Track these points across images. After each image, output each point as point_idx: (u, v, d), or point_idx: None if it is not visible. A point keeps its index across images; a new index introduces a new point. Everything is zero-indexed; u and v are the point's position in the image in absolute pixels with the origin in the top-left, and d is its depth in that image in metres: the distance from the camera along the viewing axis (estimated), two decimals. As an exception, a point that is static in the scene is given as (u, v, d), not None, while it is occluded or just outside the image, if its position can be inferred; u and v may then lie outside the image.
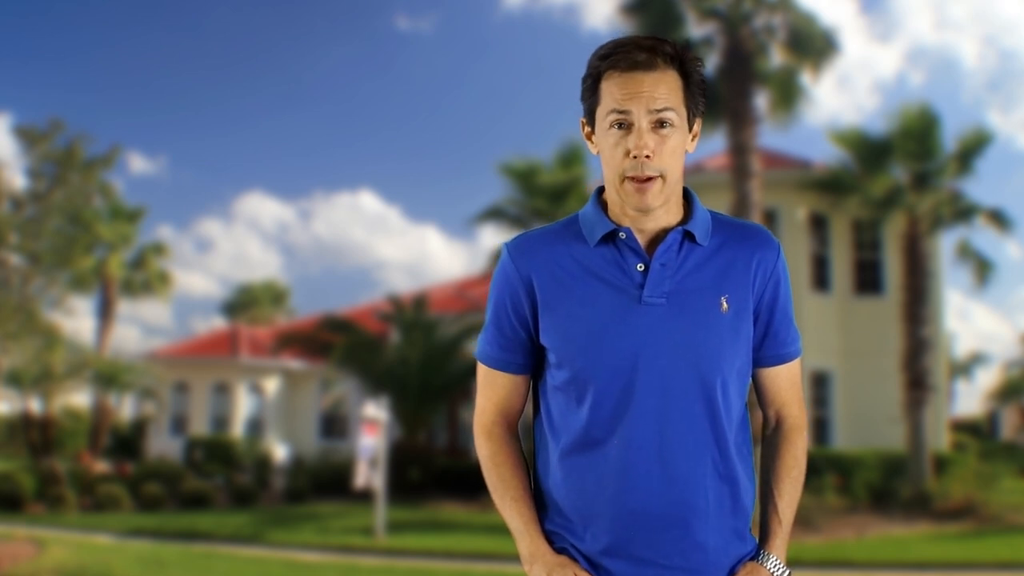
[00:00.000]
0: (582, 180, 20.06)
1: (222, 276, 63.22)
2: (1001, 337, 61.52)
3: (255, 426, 27.66)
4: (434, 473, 20.48)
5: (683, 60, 1.94)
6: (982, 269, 19.46)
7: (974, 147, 18.95)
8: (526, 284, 2.00)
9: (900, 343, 18.57)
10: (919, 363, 18.22)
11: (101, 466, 23.25)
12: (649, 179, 1.91)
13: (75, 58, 46.46)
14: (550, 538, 2.01)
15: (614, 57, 1.92)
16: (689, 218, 2.01)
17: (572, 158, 20.56)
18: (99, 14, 45.27)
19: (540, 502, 2.05)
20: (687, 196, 2.05)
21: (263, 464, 22.84)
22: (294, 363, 27.68)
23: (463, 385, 21.78)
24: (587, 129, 2.01)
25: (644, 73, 1.90)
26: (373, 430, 14.71)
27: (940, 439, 19.71)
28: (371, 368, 21.59)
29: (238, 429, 27.15)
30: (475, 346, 2.14)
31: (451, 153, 59.19)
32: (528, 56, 59.19)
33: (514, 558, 2.07)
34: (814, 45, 17.46)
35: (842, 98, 45.60)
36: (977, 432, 34.77)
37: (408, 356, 21.31)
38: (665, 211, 1.98)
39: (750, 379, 2.07)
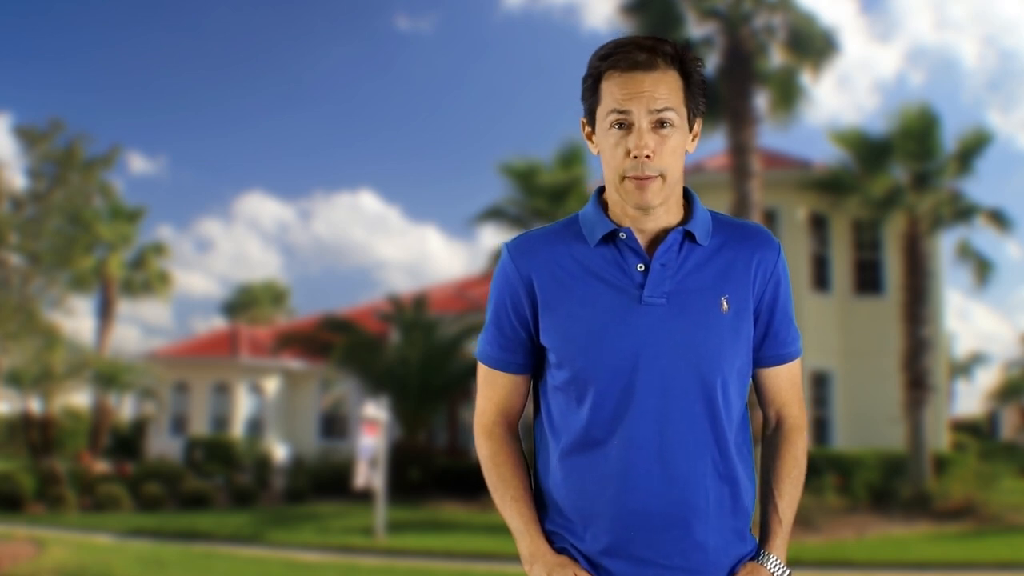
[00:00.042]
0: (582, 180, 20.06)
1: (222, 276, 63.29)
2: (1001, 337, 61.58)
3: (255, 426, 27.66)
4: (434, 473, 20.48)
5: (683, 60, 1.94)
6: (982, 269, 19.46)
7: (974, 147, 18.95)
8: (526, 284, 2.01)
9: (900, 343, 18.57)
10: (919, 363, 18.23)
11: (101, 466, 23.25)
12: (649, 178, 1.91)
13: (75, 58, 46.51)
14: (550, 538, 2.01)
15: (614, 57, 1.92)
16: (689, 218, 2.01)
17: (572, 158, 20.56)
18: (99, 14, 45.31)
19: (540, 502, 2.05)
20: (687, 196, 2.05)
21: (263, 464, 22.84)
22: (294, 363, 27.68)
23: (463, 385, 21.78)
24: (587, 129, 2.01)
25: (644, 73, 1.90)
26: (373, 430, 14.71)
27: (940, 439, 19.71)
28: (371, 368, 21.59)
29: (238, 429, 27.15)
30: (475, 346, 2.14)
31: (451, 153, 59.25)
32: (528, 56, 59.24)
33: (514, 558, 2.07)
34: (814, 45, 17.47)
35: (842, 98, 45.64)
36: (977, 432, 34.77)
37: (408, 356, 21.31)
38: (665, 211, 1.98)
39: (750, 379, 2.07)
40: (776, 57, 17.72)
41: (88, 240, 23.31)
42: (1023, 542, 13.78)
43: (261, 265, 62.27)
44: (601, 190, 2.05)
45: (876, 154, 18.99)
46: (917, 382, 18.17)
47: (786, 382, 2.09)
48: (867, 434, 19.26)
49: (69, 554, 12.23)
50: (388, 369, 21.35)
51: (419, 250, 65.49)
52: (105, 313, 26.26)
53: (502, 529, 2.22)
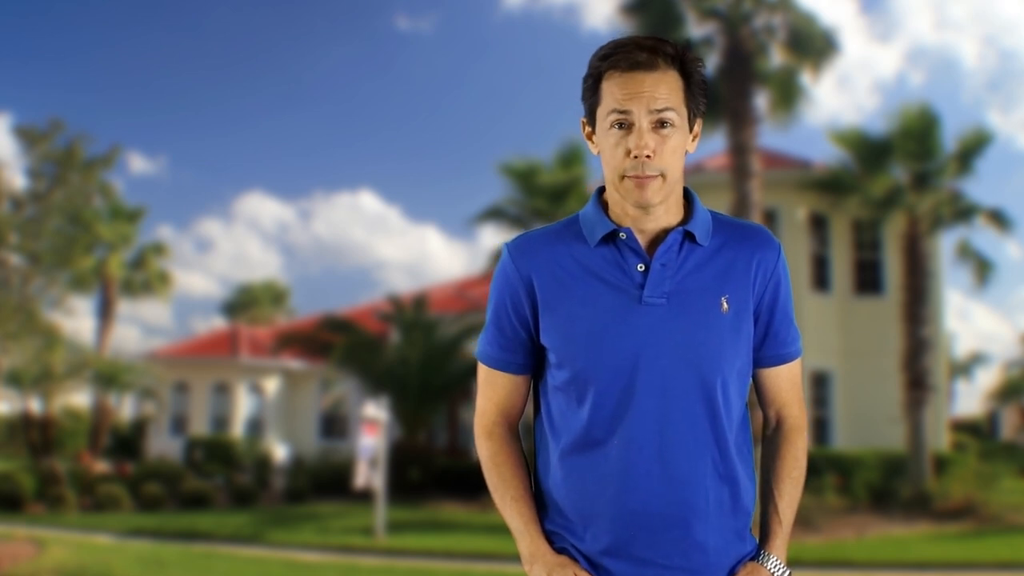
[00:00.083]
0: (582, 180, 20.06)
1: (222, 276, 63.29)
2: (1001, 337, 61.57)
3: (255, 426, 27.66)
4: (434, 473, 20.48)
5: (684, 60, 1.94)
6: (982, 269, 19.46)
7: (974, 147, 18.95)
8: (526, 284, 2.01)
9: (900, 343, 18.57)
10: (919, 363, 18.23)
11: (101, 466, 23.25)
12: (649, 177, 1.91)
13: (75, 58, 46.51)
14: (550, 538, 2.01)
15: (615, 57, 1.92)
16: (690, 218, 2.01)
17: (572, 158, 20.55)
18: (99, 14, 45.31)
19: (540, 502, 2.05)
20: (688, 196, 2.05)
21: (263, 464, 22.84)
22: (294, 363, 27.68)
23: (463, 385, 21.79)
24: (588, 129, 2.01)
25: (645, 73, 1.90)
26: (373, 430, 14.71)
27: (940, 439, 19.71)
28: (371, 368, 21.59)
29: (238, 429, 27.15)
30: (475, 346, 2.14)
31: (451, 153, 59.25)
32: (528, 56, 59.24)
33: (514, 558, 2.07)
34: (814, 45, 17.47)
35: (842, 98, 45.64)
36: (977, 432, 34.77)
37: (408, 356, 21.31)
38: (665, 211, 1.98)
39: (750, 379, 2.07)
40: (776, 57, 17.72)
41: (88, 240, 23.31)
42: (1023, 542, 13.78)
43: (261, 265, 62.33)
44: (601, 190, 2.05)
45: (876, 154, 18.99)
46: (917, 382, 18.17)
47: (786, 382, 2.09)
48: (867, 434, 19.26)
49: (69, 554, 12.23)
50: (388, 369, 21.35)
51: (419, 250, 65.54)
52: (105, 313, 26.26)
53: (502, 529, 2.22)
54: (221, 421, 27.65)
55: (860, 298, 20.81)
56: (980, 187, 44.66)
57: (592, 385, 1.95)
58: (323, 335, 22.91)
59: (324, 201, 64.59)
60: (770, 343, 2.05)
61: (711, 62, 16.97)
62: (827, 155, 20.28)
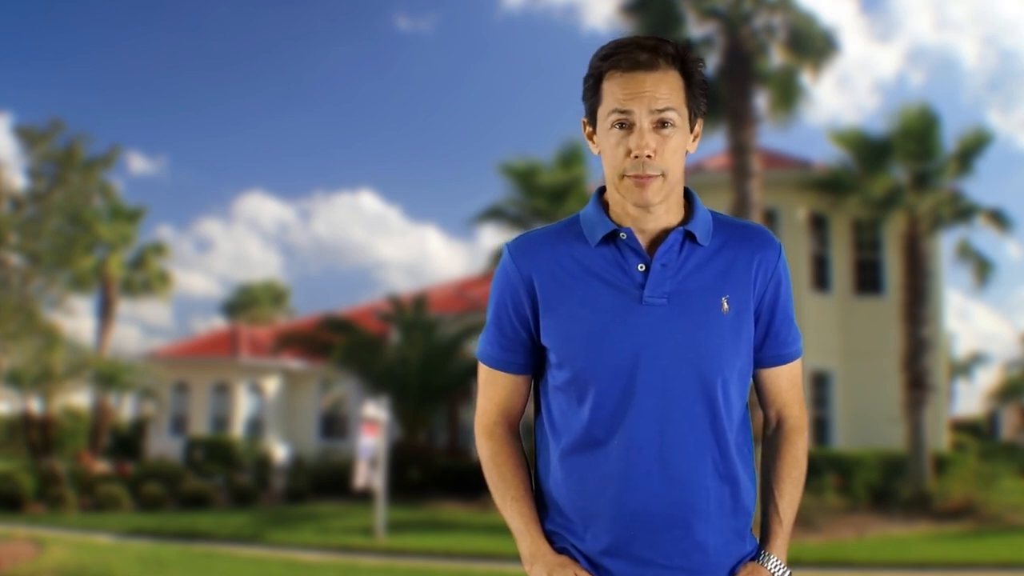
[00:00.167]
0: (582, 180, 20.06)
1: (222, 276, 63.30)
2: (1001, 337, 61.59)
3: (255, 426, 27.66)
4: (434, 473, 20.48)
5: (684, 60, 1.94)
6: (982, 269, 19.46)
7: (974, 147, 18.95)
8: (527, 284, 2.01)
9: (900, 343, 18.57)
10: (919, 363, 18.23)
11: (101, 466, 23.25)
12: (650, 177, 1.91)
13: (75, 58, 46.51)
14: (551, 538, 2.01)
15: (616, 57, 1.92)
16: (690, 218, 2.01)
17: (572, 158, 20.55)
18: (99, 14, 45.31)
19: (541, 502, 2.05)
20: (688, 196, 2.05)
21: (263, 464, 22.84)
22: (294, 363, 27.68)
23: (463, 385, 21.79)
24: (588, 129, 2.01)
25: (646, 73, 1.90)
26: (373, 430, 14.71)
27: (940, 439, 19.71)
28: (371, 368, 21.59)
29: (238, 429, 27.15)
30: (476, 346, 2.14)
31: (451, 153, 59.25)
32: (528, 56, 59.25)
33: (514, 558, 2.07)
34: (814, 45, 17.47)
35: (842, 98, 45.64)
36: (977, 432, 34.77)
37: (408, 356, 21.31)
38: (666, 211, 1.98)
39: (751, 379, 2.07)
40: (776, 57, 17.72)
41: (88, 240, 23.31)
42: (1023, 542, 13.78)
43: (261, 265, 62.34)
44: (602, 190, 2.05)
45: (876, 154, 18.99)
46: (917, 382, 18.17)
47: (787, 382, 2.09)
48: (867, 434, 19.26)
49: (69, 554, 12.23)
50: (388, 369, 21.35)
51: (419, 250, 65.54)
52: (105, 313, 26.26)
53: (502, 529, 2.22)
54: (221, 421, 27.65)
55: (860, 298, 20.81)
56: (980, 187, 44.70)
57: (592, 385, 1.95)
58: (323, 335, 22.91)
59: (324, 201, 64.66)
60: (770, 343, 2.05)
61: (711, 62, 16.97)
62: (827, 155, 20.31)
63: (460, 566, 11.66)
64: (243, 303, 47.01)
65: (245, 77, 51.40)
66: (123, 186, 32.11)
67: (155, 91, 50.86)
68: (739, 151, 16.48)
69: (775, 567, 2.01)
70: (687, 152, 1.97)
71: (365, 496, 15.98)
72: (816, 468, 15.46)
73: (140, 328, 63.02)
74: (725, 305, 1.97)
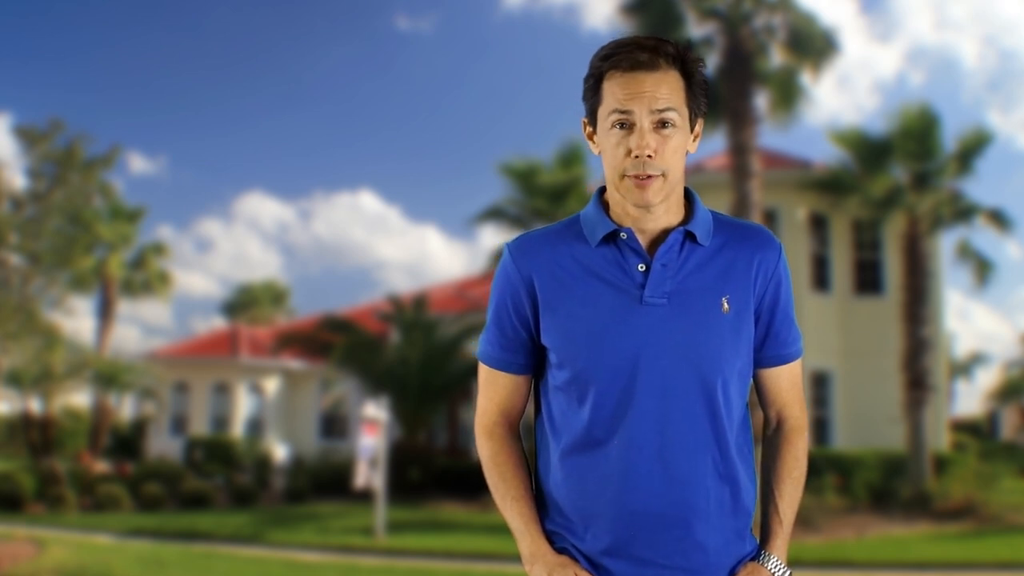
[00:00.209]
0: (582, 180, 20.05)
1: (222, 276, 63.28)
2: (1001, 337, 61.57)
3: (255, 426, 27.66)
4: (434, 473, 20.48)
5: (685, 60, 1.94)
6: (982, 269, 19.46)
7: (974, 147, 18.95)
8: (527, 284, 2.01)
9: (900, 343, 18.57)
10: (919, 363, 18.23)
11: (101, 466, 23.25)
12: (650, 177, 1.91)
13: (75, 58, 46.51)
14: (551, 538, 2.01)
15: (616, 57, 1.92)
16: (690, 218, 2.01)
17: (572, 158, 20.55)
18: (99, 14, 45.31)
19: (541, 502, 2.05)
20: (688, 196, 2.05)
21: (263, 464, 22.84)
22: (294, 363, 27.68)
23: (463, 385, 21.79)
24: (589, 129, 2.01)
25: (646, 73, 1.90)
26: (373, 430, 14.71)
27: (940, 439, 19.71)
28: (371, 368, 21.59)
29: (238, 429, 27.15)
30: (476, 346, 2.14)
31: (451, 153, 59.25)
32: (528, 56, 59.24)
33: (514, 558, 2.07)
34: (814, 45, 17.47)
35: (842, 98, 45.64)
36: (977, 432, 34.77)
37: (408, 356, 21.31)
38: (666, 211, 1.98)
39: (751, 379, 2.07)
40: (776, 57, 17.72)
41: (88, 240, 23.31)
42: (1023, 542, 13.78)
43: (261, 265, 62.33)
44: (602, 190, 2.05)
45: (876, 154, 18.99)
46: (917, 382, 18.17)
47: (787, 382, 2.09)
48: (867, 434, 19.26)
49: (69, 554, 12.23)
50: (388, 369, 21.35)
51: (419, 250, 65.53)
52: (105, 313, 26.26)
53: (502, 529, 2.22)
54: (221, 421, 27.65)
55: (860, 298, 20.81)
56: (980, 187, 44.69)
57: (593, 385, 1.95)
58: (323, 335, 22.91)
59: (324, 201, 64.65)
60: (771, 343, 2.05)
61: (711, 62, 16.97)
62: (827, 155, 20.31)
63: (460, 566, 11.66)
64: (243, 303, 47.01)
65: (245, 77, 51.43)
66: (123, 186, 32.14)
67: (155, 91, 50.91)
68: (739, 151, 16.48)
69: (775, 567, 2.01)
70: (687, 152, 1.97)
71: (365, 496, 15.98)
72: (816, 468, 15.46)
73: (140, 328, 63.08)
74: (725, 305, 1.97)
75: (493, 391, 2.09)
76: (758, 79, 17.26)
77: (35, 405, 22.08)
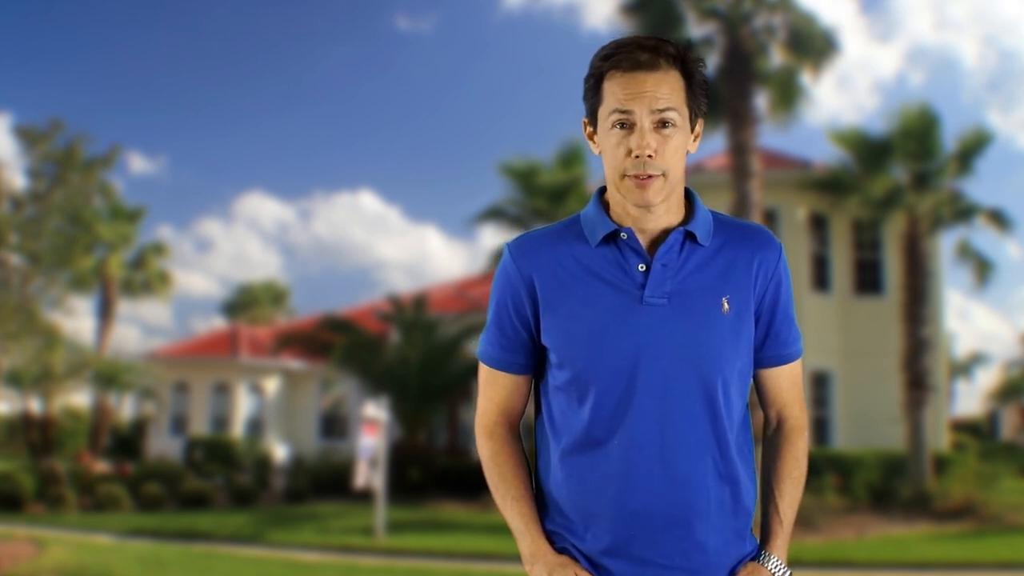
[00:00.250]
0: (582, 180, 20.05)
1: (222, 276, 63.28)
2: (1001, 337, 61.58)
3: (255, 426, 27.66)
4: (434, 473, 20.48)
5: (685, 60, 1.94)
6: (982, 269, 19.46)
7: (974, 147, 18.95)
8: (527, 284, 2.01)
9: (900, 343, 18.57)
10: (919, 363, 18.23)
11: (101, 466, 23.25)
12: (651, 177, 1.91)
13: (75, 58, 46.50)
14: (551, 538, 2.01)
15: (616, 57, 1.92)
16: (691, 218, 2.01)
17: (572, 158, 20.55)
18: (99, 14, 45.31)
19: (541, 502, 2.05)
20: (689, 196, 2.05)
21: (263, 464, 22.84)
22: (294, 363, 27.68)
23: (463, 385, 21.79)
24: (589, 129, 2.01)
25: (647, 73, 1.90)
26: (373, 430, 14.71)
27: (940, 439, 19.71)
28: (371, 368, 21.59)
29: (238, 429, 27.15)
30: (476, 346, 2.14)
31: (451, 153, 59.24)
32: (528, 56, 59.24)
33: (514, 558, 2.07)
34: (814, 45, 17.47)
35: (842, 98, 45.63)
36: (977, 432, 34.77)
37: (408, 356, 21.31)
38: (666, 211, 1.98)
39: (751, 379, 2.07)
40: (776, 57, 17.72)
41: (88, 240, 23.31)
42: (1023, 542, 13.78)
43: (261, 265, 62.32)
44: (602, 190, 2.05)
45: (876, 154, 18.99)
46: (917, 382, 18.17)
47: (787, 382, 2.09)
48: (867, 434, 19.26)
49: (69, 554, 12.23)
50: (388, 369, 21.35)
51: (419, 250, 65.53)
52: (105, 313, 26.26)
53: (502, 529, 2.22)
54: (221, 421, 27.65)
55: (860, 298, 20.81)
56: (980, 187, 44.70)
57: (593, 385, 1.95)
58: (323, 335, 22.91)
59: (324, 201, 64.64)
60: (771, 343, 2.05)
61: (711, 62, 16.97)
62: (827, 155, 20.31)
63: (460, 566, 11.66)
64: (243, 303, 47.01)
65: (245, 77, 51.43)
66: (123, 186, 32.14)
67: (155, 91, 50.91)
68: (739, 151, 16.48)
69: (775, 567, 2.01)
70: (688, 152, 1.97)
71: (365, 496, 15.98)
72: (816, 468, 15.45)
73: (140, 328, 63.06)
74: (725, 305, 1.97)
75: (493, 391, 2.09)
76: (758, 79, 17.27)
77: (35, 405, 22.09)
